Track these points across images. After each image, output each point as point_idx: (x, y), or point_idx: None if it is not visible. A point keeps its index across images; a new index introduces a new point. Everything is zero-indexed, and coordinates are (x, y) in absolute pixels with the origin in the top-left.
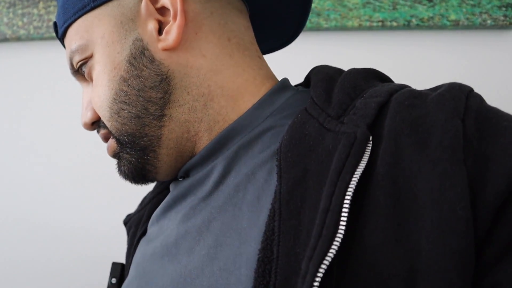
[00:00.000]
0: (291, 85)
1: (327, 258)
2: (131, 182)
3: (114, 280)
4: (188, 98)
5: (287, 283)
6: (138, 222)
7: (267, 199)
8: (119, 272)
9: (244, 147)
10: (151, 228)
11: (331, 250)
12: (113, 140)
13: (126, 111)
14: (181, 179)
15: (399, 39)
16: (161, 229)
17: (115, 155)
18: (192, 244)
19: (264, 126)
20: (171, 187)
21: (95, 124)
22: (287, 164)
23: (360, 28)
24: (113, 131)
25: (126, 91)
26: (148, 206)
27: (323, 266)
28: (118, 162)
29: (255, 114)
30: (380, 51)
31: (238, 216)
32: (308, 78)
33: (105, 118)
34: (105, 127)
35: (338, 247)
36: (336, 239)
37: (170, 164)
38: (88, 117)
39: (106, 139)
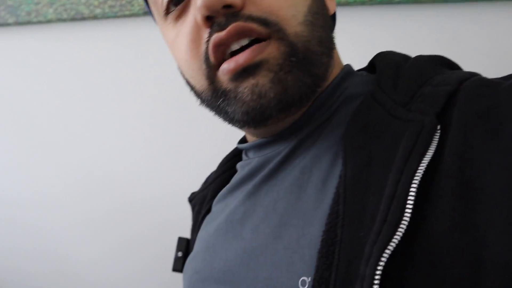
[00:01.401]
0: (354, 70)
1: (391, 244)
2: (274, 105)
3: (180, 254)
4: (335, 57)
5: (350, 265)
6: (202, 201)
7: (332, 182)
8: (185, 246)
9: (313, 131)
10: (216, 206)
11: (395, 236)
12: (276, 46)
13: (316, 28)
14: (247, 159)
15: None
16: (226, 206)
17: (261, 62)
18: (257, 222)
19: (331, 111)
20: (239, 166)
21: (226, 10)
22: (353, 149)
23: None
24: (297, 39)
25: (318, 12)
26: (212, 185)
27: (387, 251)
28: (258, 75)
29: (328, 99)
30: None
31: (303, 197)
32: (372, 63)
33: (294, 20)
34: (257, 21)
35: (403, 234)
36: (401, 225)
37: (293, 119)
38: None
39: (238, 34)
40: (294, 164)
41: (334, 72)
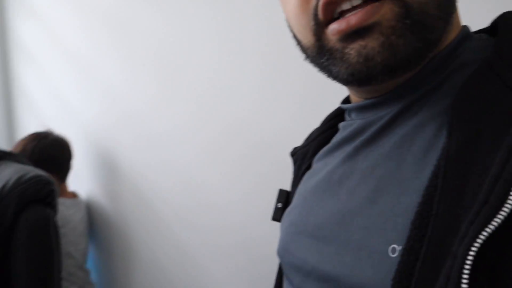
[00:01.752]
0: (472, 32)
1: (490, 226)
2: (380, 69)
3: (280, 205)
4: (456, 19)
5: (442, 241)
6: (304, 156)
7: (434, 154)
8: (285, 198)
9: (419, 98)
10: (317, 164)
11: (495, 219)
12: (391, 7)
13: None
14: (349, 120)
15: None
16: (326, 165)
17: (373, 24)
18: (354, 185)
19: (441, 78)
20: (341, 126)
21: None
22: (460, 122)
23: None
24: (416, 2)
25: None
26: (314, 142)
27: (484, 233)
28: (369, 38)
29: (439, 65)
30: None
31: (402, 166)
32: (495, 25)
33: None
34: None
35: (504, 218)
36: (504, 208)
37: (402, 79)
38: None
39: None
40: (395, 131)
41: (450, 36)
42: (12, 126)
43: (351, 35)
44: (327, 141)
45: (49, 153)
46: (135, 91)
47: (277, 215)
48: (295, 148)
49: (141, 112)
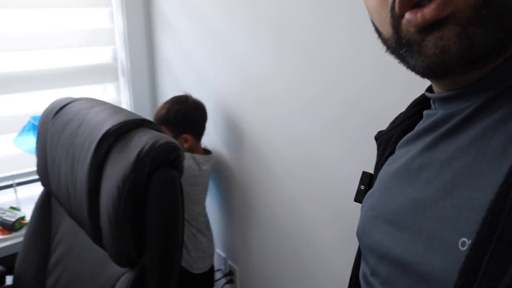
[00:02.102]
0: None
1: None
2: (457, 61)
3: (362, 187)
4: None
5: (511, 239)
6: (388, 141)
7: None
8: (368, 180)
9: (503, 91)
10: (399, 150)
11: None
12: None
13: None
14: (433, 109)
15: None
16: (407, 153)
17: (448, 16)
18: (431, 175)
19: None
20: (425, 115)
21: None
22: None
23: None
24: None
25: None
26: (399, 128)
27: None
28: (445, 29)
29: None
30: None
31: (479, 160)
32: None
33: None
34: None
35: None
36: None
37: (482, 73)
38: None
39: None
40: (476, 124)
41: None
42: (155, 89)
43: (427, 28)
44: (411, 127)
45: (189, 115)
46: (261, 62)
47: (360, 197)
48: (380, 132)
49: (263, 79)
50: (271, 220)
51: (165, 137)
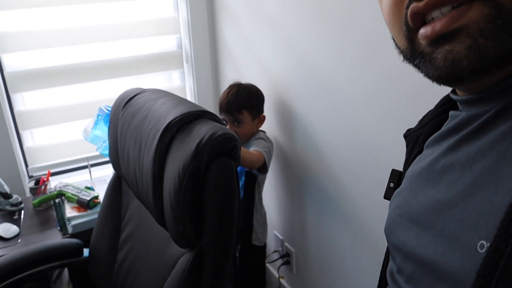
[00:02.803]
0: None
1: None
2: (467, 72)
3: (392, 185)
4: None
5: None
6: (416, 140)
7: None
8: (397, 178)
9: None
10: (426, 150)
11: None
12: (480, 9)
13: None
14: (458, 110)
15: None
16: (432, 153)
17: (459, 29)
18: (454, 177)
19: None
20: (451, 115)
21: None
22: None
23: None
24: (508, 1)
25: None
26: (427, 126)
27: None
28: (455, 42)
29: None
30: None
31: (500, 164)
32: None
33: None
34: None
35: None
36: None
37: (499, 78)
38: None
39: (435, 5)
40: (498, 127)
41: None
42: (217, 75)
43: (437, 40)
44: (439, 126)
45: (262, 95)
46: (322, 53)
47: (389, 195)
48: (409, 130)
49: (323, 70)
50: (326, 207)
51: (223, 128)
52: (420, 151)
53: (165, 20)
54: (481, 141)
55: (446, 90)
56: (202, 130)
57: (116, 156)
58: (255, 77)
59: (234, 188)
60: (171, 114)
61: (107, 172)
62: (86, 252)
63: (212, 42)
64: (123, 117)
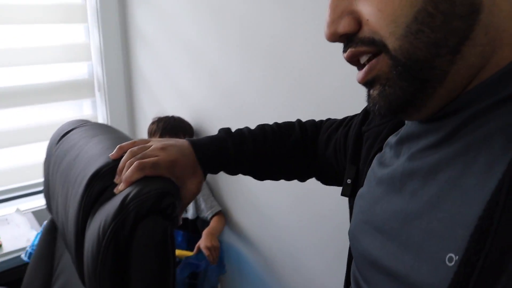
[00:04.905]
0: None
1: None
2: (384, 112)
3: (349, 181)
4: (483, 40)
5: (501, 257)
6: (377, 136)
7: (500, 167)
8: (354, 174)
9: (487, 107)
10: (385, 150)
11: None
12: (385, 60)
13: (425, 34)
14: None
15: None
16: (392, 158)
17: (373, 78)
18: (416, 187)
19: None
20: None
21: (344, 37)
22: None
23: None
24: (398, 53)
25: (432, 13)
26: (389, 123)
27: None
28: (374, 88)
29: (499, 80)
30: None
31: (466, 175)
32: None
33: (393, 36)
34: (365, 43)
35: None
36: None
37: (436, 107)
38: (343, 26)
39: (353, 57)
40: (462, 139)
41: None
42: (132, 104)
43: (365, 84)
44: (401, 124)
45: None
46: (233, 73)
47: (346, 191)
48: (368, 124)
49: (240, 96)
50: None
51: (160, 179)
52: (380, 149)
53: (76, 45)
54: (444, 150)
55: None
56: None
57: (48, 197)
58: (172, 106)
59: (167, 257)
60: (103, 157)
61: (9, 210)
62: None
63: (126, 70)
64: (55, 154)
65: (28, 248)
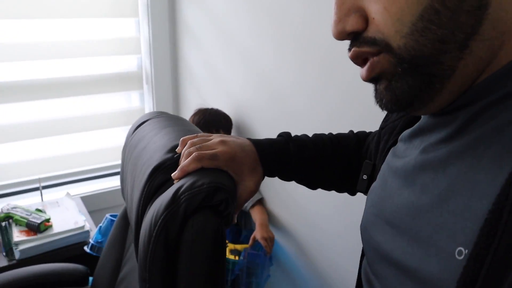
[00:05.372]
0: None
1: None
2: (391, 107)
3: (365, 177)
4: (492, 34)
5: (508, 252)
6: (392, 131)
7: (510, 161)
8: (370, 170)
9: (502, 99)
10: (399, 144)
11: None
12: (389, 58)
13: (431, 31)
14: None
15: None
16: (405, 151)
17: (378, 75)
18: (427, 180)
19: None
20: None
21: (351, 35)
22: None
23: None
24: (403, 50)
25: (438, 10)
26: (403, 118)
27: None
28: (380, 83)
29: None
30: None
31: (476, 168)
32: None
33: (398, 34)
34: (368, 43)
35: None
36: None
37: (445, 101)
38: (351, 25)
39: (359, 57)
40: (472, 132)
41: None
42: (177, 97)
43: (371, 81)
44: (415, 119)
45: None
46: (279, 72)
47: (362, 187)
48: (385, 121)
49: (282, 92)
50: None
51: (217, 173)
52: (395, 143)
53: (127, 39)
54: (455, 144)
55: None
56: (188, 175)
57: (122, 185)
58: (216, 100)
59: (216, 257)
60: (166, 149)
61: (60, 194)
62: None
63: (173, 64)
64: (130, 143)
65: (91, 241)
